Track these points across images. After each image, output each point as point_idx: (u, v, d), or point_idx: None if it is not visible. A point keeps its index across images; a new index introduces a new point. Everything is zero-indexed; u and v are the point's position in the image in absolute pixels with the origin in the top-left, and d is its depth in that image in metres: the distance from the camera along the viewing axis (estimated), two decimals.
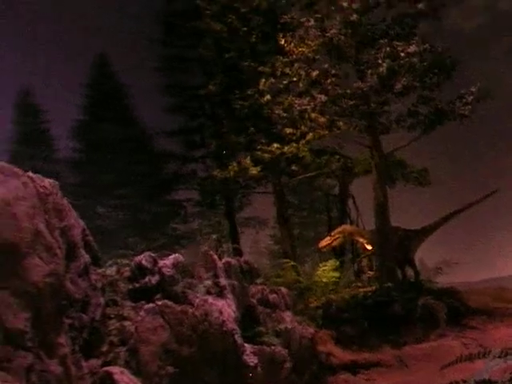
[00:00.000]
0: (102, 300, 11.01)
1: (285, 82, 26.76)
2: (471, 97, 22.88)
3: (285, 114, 25.33)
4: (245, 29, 29.19)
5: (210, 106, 32.74)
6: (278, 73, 26.42)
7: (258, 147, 27.46)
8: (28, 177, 9.42)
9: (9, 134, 45.92)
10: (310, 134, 25.50)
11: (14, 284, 8.16)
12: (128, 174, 42.41)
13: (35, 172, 10.04)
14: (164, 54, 34.85)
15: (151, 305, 11.55)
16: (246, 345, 13.08)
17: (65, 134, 46.06)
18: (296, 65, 24.77)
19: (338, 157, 28.89)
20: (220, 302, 12.92)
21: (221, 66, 30.95)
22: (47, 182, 10.03)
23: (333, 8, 23.66)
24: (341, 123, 24.47)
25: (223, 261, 14.73)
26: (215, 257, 14.34)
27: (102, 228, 40.51)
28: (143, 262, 12.61)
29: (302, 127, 25.22)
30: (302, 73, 24.46)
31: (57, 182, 10.41)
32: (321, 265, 23.22)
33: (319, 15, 23.86)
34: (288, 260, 24.21)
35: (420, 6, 22.99)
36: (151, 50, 39.51)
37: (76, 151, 45.52)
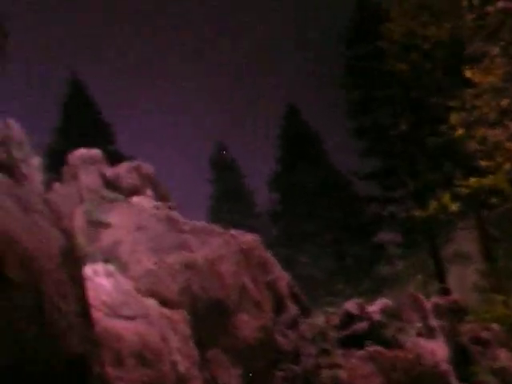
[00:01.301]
0: (312, 350, 11.80)
1: (475, 114, 26.78)
2: None
3: (479, 147, 25.35)
4: (429, 65, 29.71)
5: (402, 146, 33.32)
6: (468, 105, 26.53)
7: (456, 182, 27.57)
8: (230, 234, 10.63)
9: (206, 190, 48.61)
10: (507, 165, 25.26)
11: (224, 341, 9.19)
12: (328, 220, 43.53)
13: (235, 227, 11.22)
14: (350, 97, 36.04)
15: (362, 351, 12.15)
16: None
17: (261, 186, 48.05)
18: (485, 96, 24.83)
19: None
20: (431, 344, 13.29)
21: (408, 105, 31.58)
22: (249, 237, 11.19)
23: None
24: None
25: (431, 302, 15.08)
26: (422, 298, 14.75)
27: (306, 276, 41.71)
28: (351, 309, 13.38)
29: (498, 158, 25.07)
30: (492, 103, 24.47)
31: (258, 236, 11.52)
32: None
33: (503, 42, 23.88)
34: (496, 294, 23.99)
35: None
36: (336, 93, 40.88)
37: (274, 202, 47.30)
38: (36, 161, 9.25)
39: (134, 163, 13.94)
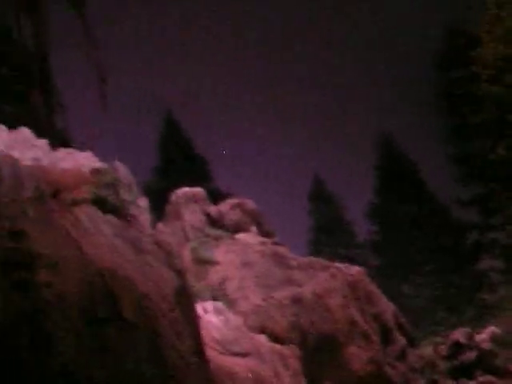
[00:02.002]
0: (422, 381, 11.44)
1: None
2: None
3: None
4: None
5: (501, 170, 32.35)
6: None
7: None
8: (335, 267, 10.45)
9: (307, 224, 48.51)
10: None
11: (334, 375, 8.98)
12: (428, 248, 42.59)
13: (337, 259, 11.07)
14: (447, 122, 35.38)
15: (473, 382, 11.70)
16: None
17: (361, 217, 47.61)
18: None
19: None
20: None
21: (505, 128, 30.70)
22: (354, 269, 10.98)
23: None
24: None
25: None
26: None
27: (410, 307, 40.82)
28: (459, 338, 12.93)
29: None
30: None
31: (363, 269, 11.31)
32: None
33: None
34: None
35: None
36: (430, 119, 40.23)
37: (374, 233, 46.73)
38: (144, 202, 9.34)
39: (237, 200, 13.96)
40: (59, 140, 17.07)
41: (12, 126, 11.64)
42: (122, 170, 9.22)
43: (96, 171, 9.24)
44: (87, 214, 8.31)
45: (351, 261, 11.41)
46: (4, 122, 11.51)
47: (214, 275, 12.51)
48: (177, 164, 29.67)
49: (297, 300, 11.94)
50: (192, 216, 13.54)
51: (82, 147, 13.19)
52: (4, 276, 7.13)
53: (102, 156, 11.32)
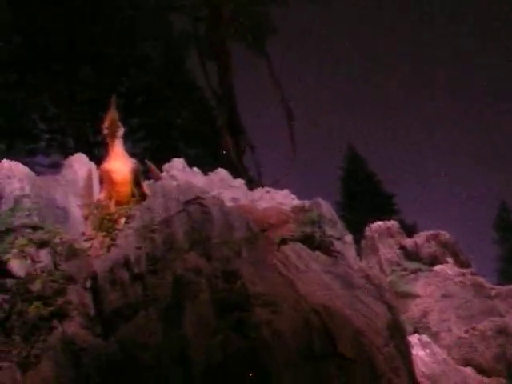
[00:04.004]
0: None
1: None
2: None
3: None
4: None
5: None
6: None
7: None
8: None
9: (494, 253, 46.25)
10: None
11: None
12: None
13: None
14: None
15: None
16: None
17: None
18: None
19: None
20: None
21: None
22: None
23: None
24: None
25: None
26: None
27: None
28: None
29: None
30: None
31: None
32: None
33: None
34: None
35: None
36: None
37: None
38: (349, 238, 9.13)
39: (432, 232, 13.40)
40: (251, 180, 17.41)
41: (199, 168, 11.97)
42: (325, 207, 9.09)
43: (299, 209, 9.19)
44: (295, 252, 8.23)
45: None
46: (190, 166, 11.86)
47: (415, 308, 12.04)
48: (361, 198, 29.31)
49: (501, 330, 11.39)
50: (388, 249, 13.17)
51: (274, 186, 13.31)
52: (222, 317, 7.16)
53: (295, 193, 11.32)
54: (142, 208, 8.55)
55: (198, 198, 8.22)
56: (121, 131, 9.38)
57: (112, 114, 9.35)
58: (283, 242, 8.30)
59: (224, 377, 6.81)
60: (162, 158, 11.88)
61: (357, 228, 14.19)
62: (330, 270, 8.21)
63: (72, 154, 10.42)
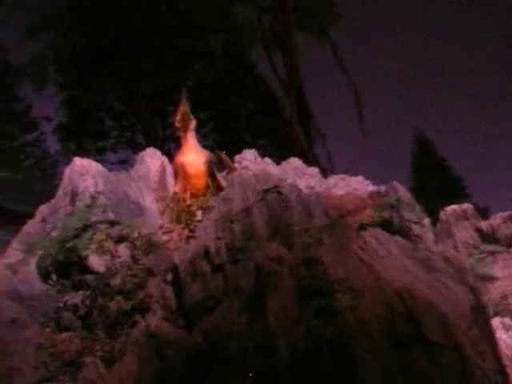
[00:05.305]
0: None
1: None
2: None
3: None
4: None
5: None
6: None
7: None
8: None
9: None
10: None
11: None
12: None
13: None
14: None
15: None
16: None
17: None
18: None
19: None
20: None
21: None
22: None
23: None
24: None
25: None
26: None
27: None
28: None
29: None
30: None
31: None
32: None
33: None
34: None
35: None
36: None
37: None
38: (427, 221, 8.96)
39: (509, 213, 13.00)
40: (323, 168, 17.29)
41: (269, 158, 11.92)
42: (402, 190, 8.94)
43: (375, 194, 9.07)
44: (375, 237, 8.11)
45: None
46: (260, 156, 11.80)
47: (494, 291, 11.73)
48: (431, 183, 28.89)
49: None
50: (463, 232, 12.86)
51: (346, 173, 13.17)
52: (305, 305, 7.13)
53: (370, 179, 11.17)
54: (220, 199, 8.55)
55: (275, 186, 8.20)
56: (193, 123, 9.36)
57: (183, 107, 9.36)
58: (362, 227, 8.19)
59: (309, 365, 6.79)
60: (230, 150, 11.91)
61: (429, 213, 13.93)
62: (410, 254, 8.07)
63: (142, 150, 10.48)
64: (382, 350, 6.87)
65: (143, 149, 10.58)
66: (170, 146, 21.36)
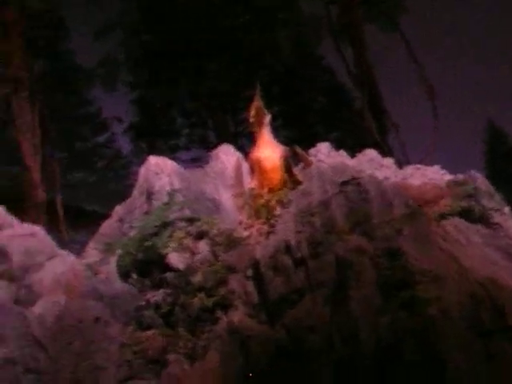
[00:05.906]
0: None
1: None
2: None
3: None
4: None
5: None
6: None
7: None
8: None
9: None
10: None
11: None
12: None
13: None
14: None
15: None
16: None
17: None
18: None
19: None
20: None
21: None
22: None
23: None
24: None
25: None
26: None
27: None
28: None
29: None
30: None
31: None
32: None
33: None
34: None
35: None
36: None
37: None
38: (507, 209, 8.81)
39: None
40: (398, 159, 17.06)
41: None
42: (480, 179, 8.80)
43: (454, 183, 8.95)
44: (455, 226, 8.04)
45: None
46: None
47: None
48: (505, 172, 28.15)
49: None
50: None
51: (421, 163, 12.97)
52: (388, 296, 7.11)
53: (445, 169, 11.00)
54: (298, 193, 8.54)
55: (353, 178, 8.19)
56: (267, 118, 9.38)
57: (257, 102, 9.40)
58: (442, 216, 8.13)
59: (394, 356, 6.78)
60: (303, 144, 11.88)
61: (508, 200, 13.59)
62: (491, 243, 7.97)
63: (214, 147, 10.44)
64: (467, 341, 6.79)
65: (215, 146, 10.51)
66: (242, 142, 21.46)
